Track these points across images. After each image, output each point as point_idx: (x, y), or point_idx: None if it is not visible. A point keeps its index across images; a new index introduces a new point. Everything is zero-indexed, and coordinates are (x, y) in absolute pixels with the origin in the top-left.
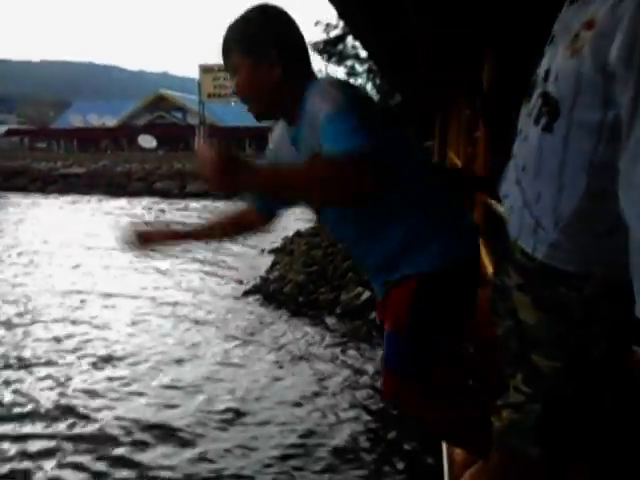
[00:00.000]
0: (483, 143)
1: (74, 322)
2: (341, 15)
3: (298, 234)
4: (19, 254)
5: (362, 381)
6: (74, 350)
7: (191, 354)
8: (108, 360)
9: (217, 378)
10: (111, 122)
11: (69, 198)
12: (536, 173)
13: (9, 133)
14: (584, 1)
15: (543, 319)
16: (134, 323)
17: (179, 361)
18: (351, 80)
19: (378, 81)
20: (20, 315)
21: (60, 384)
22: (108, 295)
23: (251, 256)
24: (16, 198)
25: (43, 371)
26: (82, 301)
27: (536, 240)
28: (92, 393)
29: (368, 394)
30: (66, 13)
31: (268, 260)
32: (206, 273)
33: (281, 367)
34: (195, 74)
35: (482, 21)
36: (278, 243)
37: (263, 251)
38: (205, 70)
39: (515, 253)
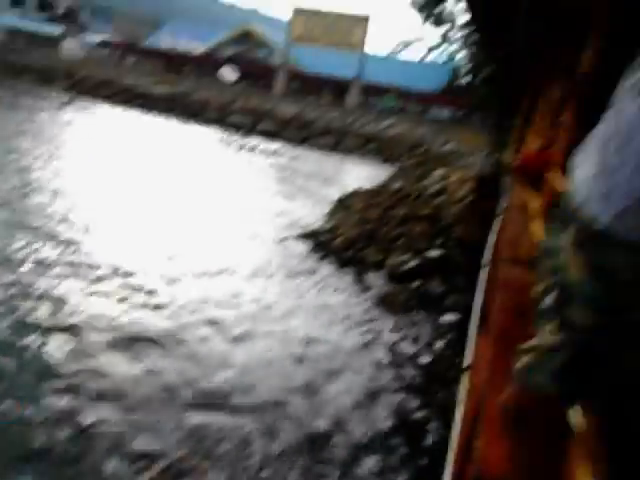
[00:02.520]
0: (567, 128)
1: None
2: None
3: (359, 191)
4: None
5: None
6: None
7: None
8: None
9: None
10: (199, 48)
11: (147, 117)
12: (625, 144)
13: (103, 44)
14: None
15: (592, 277)
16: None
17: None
18: (445, 46)
19: (473, 50)
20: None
21: None
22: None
23: (314, 201)
24: (101, 109)
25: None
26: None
27: (602, 209)
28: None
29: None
30: None
31: (329, 207)
32: (265, 208)
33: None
34: (285, 17)
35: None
36: (339, 195)
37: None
38: (298, 12)
39: (577, 217)
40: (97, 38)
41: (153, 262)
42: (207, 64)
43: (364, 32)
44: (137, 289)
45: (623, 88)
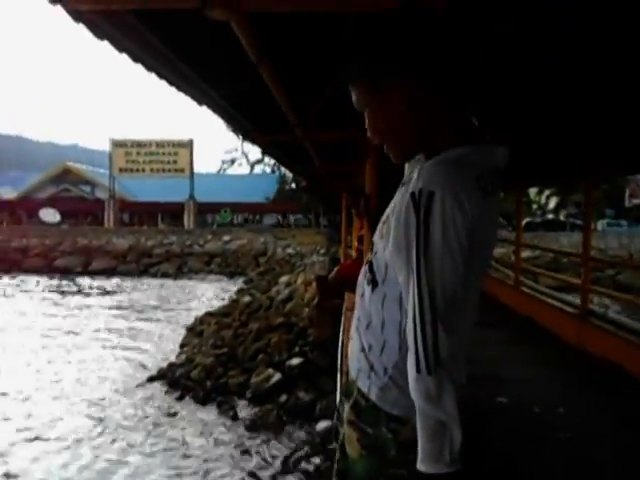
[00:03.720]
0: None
1: None
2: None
3: (208, 313)
4: None
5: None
6: None
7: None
8: None
9: None
10: (10, 194)
11: None
12: (368, 325)
13: None
14: (403, 184)
15: (363, 455)
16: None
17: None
18: (267, 159)
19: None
20: None
21: None
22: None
23: (163, 335)
24: None
25: None
26: None
27: (371, 382)
28: None
29: None
30: None
31: (178, 338)
32: (111, 349)
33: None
34: (107, 147)
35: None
36: (191, 321)
37: (176, 329)
38: (117, 144)
39: (353, 392)
40: None
41: None
42: (22, 209)
43: (189, 155)
44: None
45: (360, 276)
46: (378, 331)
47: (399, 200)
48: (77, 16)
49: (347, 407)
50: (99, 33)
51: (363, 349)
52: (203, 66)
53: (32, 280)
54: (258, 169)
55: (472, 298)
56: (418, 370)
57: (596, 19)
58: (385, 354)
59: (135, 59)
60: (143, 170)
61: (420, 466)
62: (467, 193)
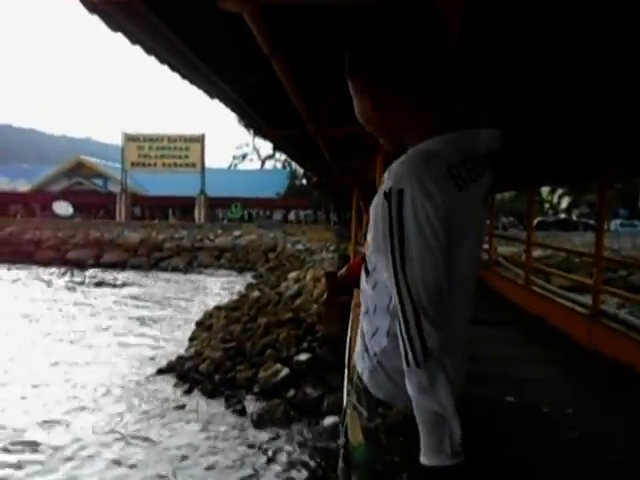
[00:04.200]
0: None
1: None
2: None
3: (218, 308)
4: None
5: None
6: None
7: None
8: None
9: None
10: (24, 187)
11: None
12: (366, 312)
13: None
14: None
15: (362, 442)
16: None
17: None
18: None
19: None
20: None
21: None
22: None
23: (172, 328)
24: None
25: None
26: None
27: (364, 365)
28: None
29: None
30: None
31: (188, 332)
32: (120, 342)
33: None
34: (120, 141)
35: None
36: (200, 315)
37: (185, 322)
38: (129, 138)
39: (355, 375)
40: None
41: None
42: (35, 201)
43: (201, 150)
44: None
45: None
46: (372, 316)
47: (375, 200)
48: (92, 7)
49: (351, 392)
50: (113, 25)
51: (362, 333)
52: (215, 59)
53: (44, 272)
54: (269, 165)
55: (464, 289)
56: (407, 364)
57: (607, 14)
58: (375, 338)
59: (148, 51)
60: (155, 164)
61: (423, 459)
62: (437, 185)
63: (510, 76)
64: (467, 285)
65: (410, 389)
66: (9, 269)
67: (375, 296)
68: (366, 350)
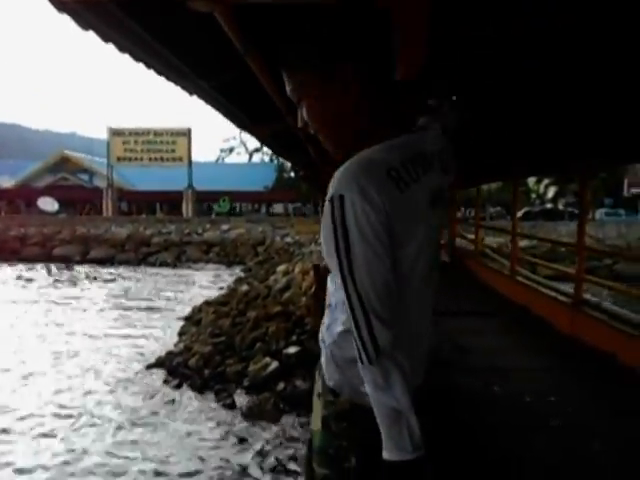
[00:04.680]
0: None
1: None
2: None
3: (207, 302)
4: None
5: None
6: None
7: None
8: None
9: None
10: (7, 183)
11: None
12: (328, 305)
13: None
14: None
15: (319, 428)
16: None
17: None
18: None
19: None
20: None
21: None
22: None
23: (161, 323)
24: None
25: None
26: None
27: (321, 354)
28: None
29: None
30: None
31: (177, 327)
32: (108, 337)
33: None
34: (105, 135)
35: None
36: (189, 310)
37: (174, 318)
38: (115, 133)
39: (319, 366)
40: None
41: None
42: (19, 198)
43: (188, 144)
44: None
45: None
46: (333, 310)
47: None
48: (61, 6)
49: (319, 381)
50: (83, 23)
51: (323, 325)
52: (189, 56)
53: (30, 269)
54: (256, 158)
55: (417, 288)
56: (362, 362)
57: (574, 20)
58: (330, 330)
59: (121, 49)
60: (141, 159)
61: (385, 455)
62: (376, 188)
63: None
64: (421, 284)
65: (367, 386)
66: None
67: (335, 293)
68: (323, 341)
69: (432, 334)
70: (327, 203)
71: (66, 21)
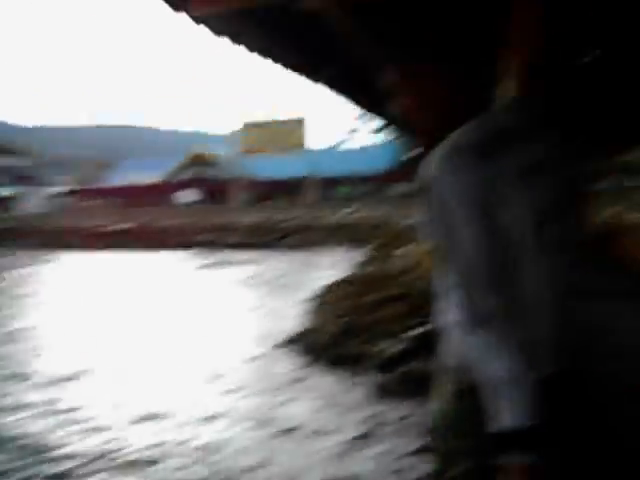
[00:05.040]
0: None
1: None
2: None
3: (332, 283)
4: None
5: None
6: None
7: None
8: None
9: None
10: (154, 179)
11: (120, 254)
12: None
13: (62, 194)
14: None
15: (446, 404)
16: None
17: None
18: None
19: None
20: None
21: None
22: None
23: (288, 304)
24: (69, 255)
25: None
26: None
27: (445, 333)
28: None
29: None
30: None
31: (303, 307)
32: (237, 317)
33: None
34: (224, 131)
35: None
36: (315, 290)
37: (300, 298)
38: (247, 126)
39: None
40: (55, 190)
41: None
42: (165, 191)
43: (302, 132)
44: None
45: None
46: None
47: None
48: (199, 20)
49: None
50: (217, 32)
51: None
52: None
53: (173, 255)
54: (376, 141)
55: (534, 257)
56: (466, 330)
57: None
58: (450, 307)
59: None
60: (264, 149)
61: (493, 425)
62: (470, 165)
63: None
64: (537, 254)
65: (475, 356)
66: (144, 254)
67: None
68: (445, 320)
69: (566, 313)
70: (424, 186)
71: (200, 29)
